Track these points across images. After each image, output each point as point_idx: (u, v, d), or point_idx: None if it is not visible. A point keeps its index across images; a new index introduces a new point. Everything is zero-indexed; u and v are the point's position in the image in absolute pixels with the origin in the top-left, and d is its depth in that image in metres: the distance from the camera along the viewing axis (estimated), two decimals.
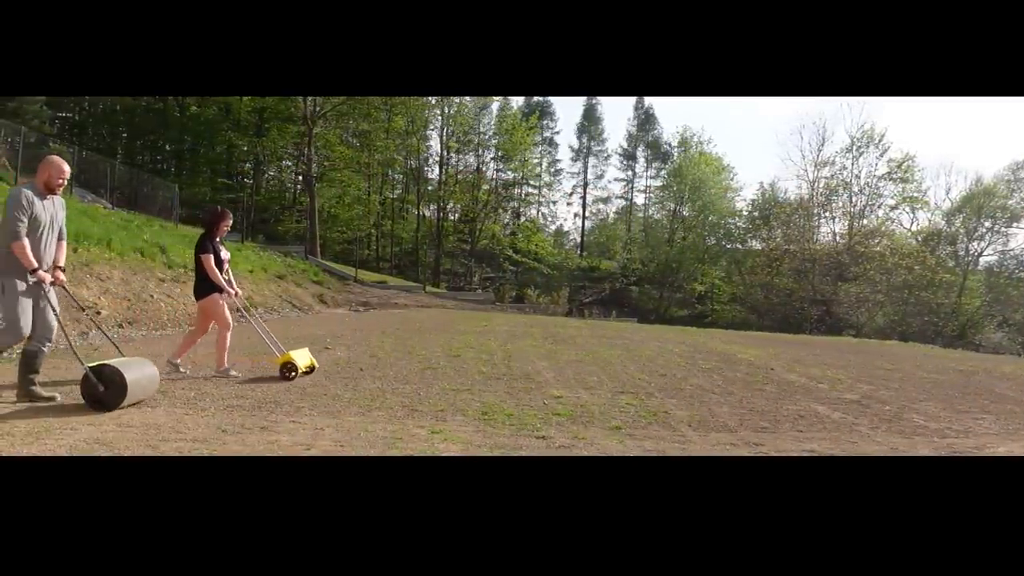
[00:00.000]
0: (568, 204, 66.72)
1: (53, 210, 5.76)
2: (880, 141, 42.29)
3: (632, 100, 66.16)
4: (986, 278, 41.09)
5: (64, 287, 5.74)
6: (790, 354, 12.38)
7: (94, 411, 5.42)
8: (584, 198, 64.16)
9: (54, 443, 4.43)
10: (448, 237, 51.56)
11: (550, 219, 62.86)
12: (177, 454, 4.34)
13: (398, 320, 16.63)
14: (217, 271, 7.36)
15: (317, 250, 34.66)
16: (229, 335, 7.54)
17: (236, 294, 7.55)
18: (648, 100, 65.07)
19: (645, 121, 65.20)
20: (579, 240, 64.10)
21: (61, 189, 5.85)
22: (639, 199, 64.94)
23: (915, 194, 43.13)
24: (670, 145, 60.57)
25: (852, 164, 42.93)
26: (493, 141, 52.26)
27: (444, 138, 50.41)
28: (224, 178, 44.41)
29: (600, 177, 65.20)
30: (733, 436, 5.56)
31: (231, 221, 7.77)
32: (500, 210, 54.12)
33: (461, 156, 52.48)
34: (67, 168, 5.79)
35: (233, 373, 7.50)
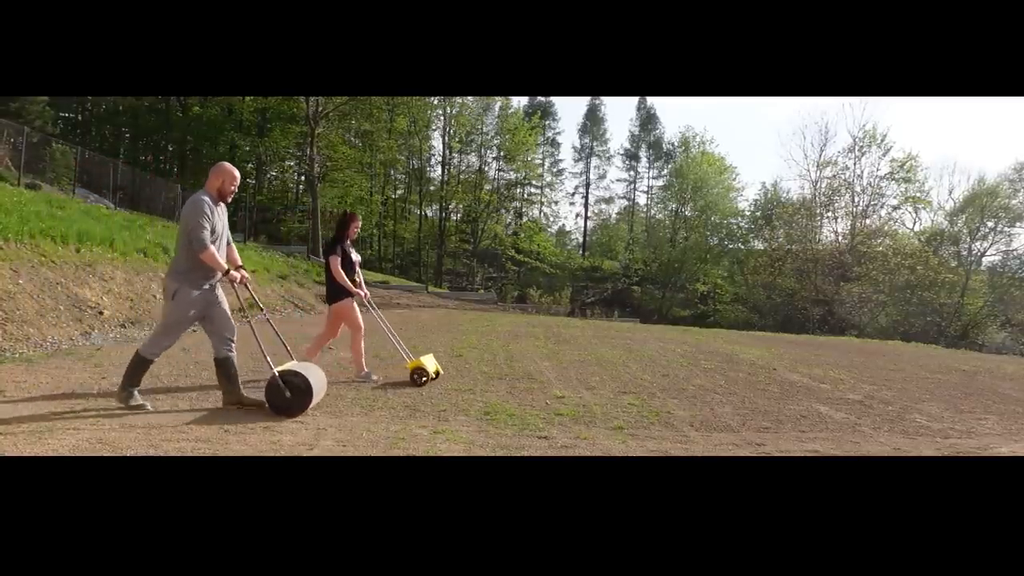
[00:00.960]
0: (570, 204, 66.79)
1: (223, 216, 5.76)
2: (883, 141, 42.28)
3: (635, 100, 66.23)
4: (989, 278, 41.05)
5: (247, 285, 5.77)
6: (793, 354, 12.37)
7: (278, 417, 5.46)
8: (586, 198, 64.21)
9: (56, 443, 4.44)
10: (450, 237, 51.55)
11: (552, 219, 62.89)
12: (180, 454, 4.35)
13: (400, 320, 16.63)
14: (344, 274, 7.37)
15: (320, 250, 34.64)
16: (362, 338, 7.58)
17: (366, 296, 7.59)
18: (651, 100, 65.11)
19: (647, 121, 65.19)
20: (581, 240, 64.09)
21: (232, 196, 5.84)
22: (641, 199, 65.01)
23: (918, 194, 43.13)
24: (672, 145, 60.57)
25: (855, 164, 42.91)
26: (495, 141, 52.23)
27: (446, 138, 50.41)
28: None
29: (602, 177, 65.21)
30: (736, 436, 5.55)
31: (360, 223, 7.79)
32: (502, 210, 54.07)
33: (463, 156, 52.47)
34: (238, 175, 5.82)
35: (374, 378, 7.57)
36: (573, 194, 64.70)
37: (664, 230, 54.55)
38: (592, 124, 64.58)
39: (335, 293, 7.53)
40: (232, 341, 5.80)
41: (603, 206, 65.67)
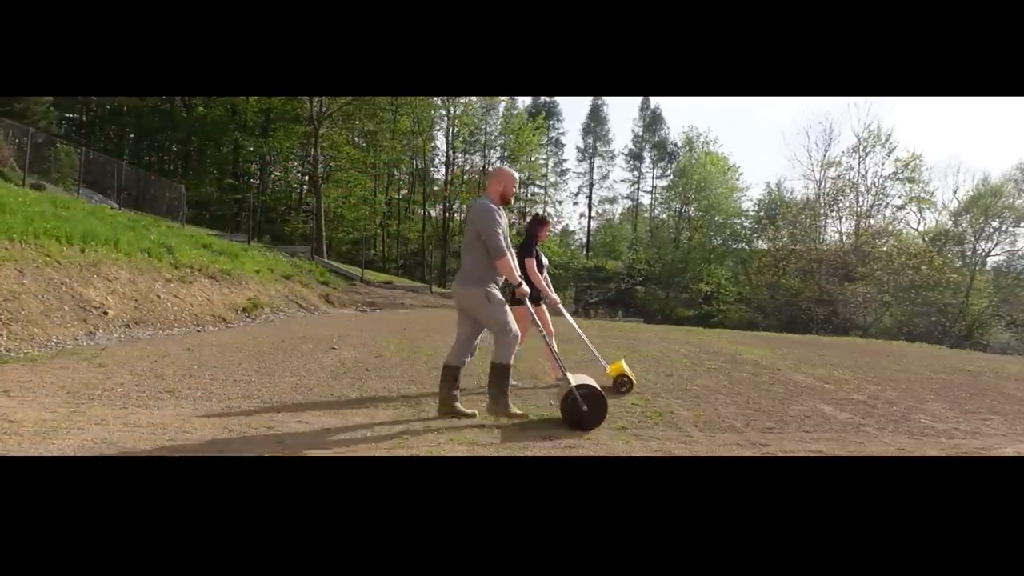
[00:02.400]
0: (574, 204, 66.77)
1: (504, 220, 5.78)
2: (887, 141, 42.23)
3: (638, 100, 66.23)
4: (994, 278, 40.94)
5: (525, 299, 5.85)
6: (797, 354, 12.35)
7: (575, 430, 5.45)
8: (590, 198, 64.29)
9: (62, 442, 4.45)
10: (454, 237, 51.53)
11: (556, 219, 62.93)
12: (184, 453, 4.35)
13: (404, 320, 16.64)
14: (539, 276, 7.32)
15: (323, 250, 34.71)
16: (554, 341, 7.43)
17: (556, 301, 7.52)
18: (655, 100, 65.14)
19: (651, 121, 65.20)
20: (585, 240, 64.10)
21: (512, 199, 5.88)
22: (645, 199, 65.01)
23: (922, 194, 43.08)
24: (676, 145, 60.58)
25: (859, 164, 42.89)
26: (499, 141, 52.30)
27: (450, 138, 50.47)
28: (231, 178, 44.64)
29: (606, 177, 65.31)
30: (739, 436, 5.54)
31: (550, 226, 7.77)
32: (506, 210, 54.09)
33: (467, 156, 52.56)
34: (518, 177, 5.86)
35: (513, 382, 7.41)
36: (577, 194, 64.86)
37: (668, 230, 54.58)
38: (596, 124, 64.63)
39: (529, 295, 7.42)
40: (472, 355, 5.87)
41: (607, 206, 65.83)
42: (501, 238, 5.45)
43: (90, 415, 5.30)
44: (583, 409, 5.47)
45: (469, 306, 5.66)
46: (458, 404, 5.79)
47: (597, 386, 5.61)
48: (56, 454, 4.20)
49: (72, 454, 4.23)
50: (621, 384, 7.30)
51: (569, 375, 5.82)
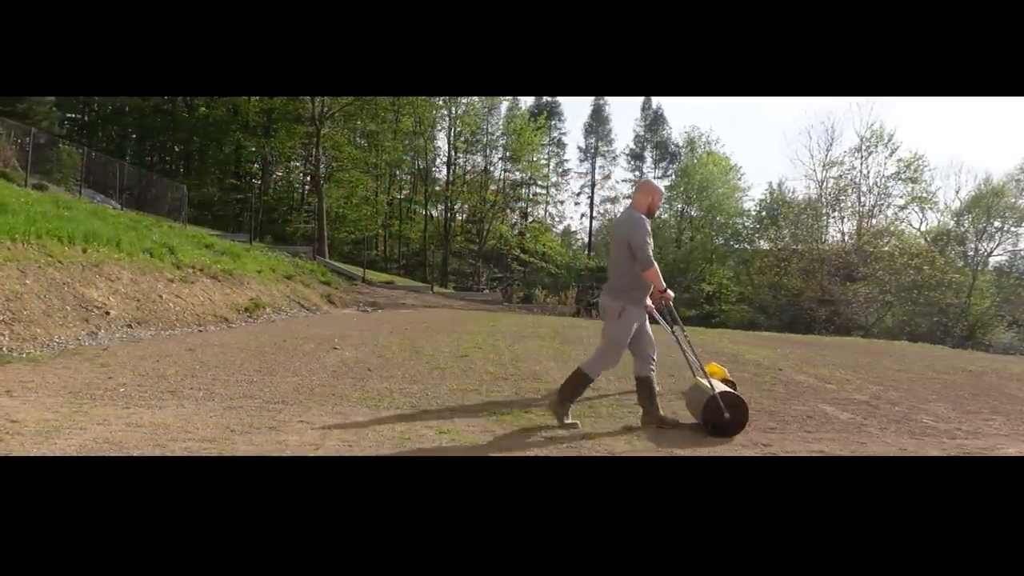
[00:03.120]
0: (576, 204, 66.76)
1: None
2: (889, 141, 42.17)
3: (640, 100, 66.20)
4: (996, 278, 40.87)
5: (671, 304, 5.83)
6: (798, 354, 12.34)
7: (714, 437, 5.46)
8: (592, 198, 64.19)
9: (63, 442, 4.45)
10: (456, 237, 51.61)
11: (558, 219, 62.99)
12: (186, 453, 4.36)
13: (406, 320, 16.64)
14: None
15: (325, 250, 34.72)
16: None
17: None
18: (656, 100, 65.08)
19: (653, 121, 65.14)
20: (587, 240, 64.07)
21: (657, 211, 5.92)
22: None
23: (924, 194, 42.99)
24: (677, 145, 60.53)
25: (861, 164, 42.82)
26: (501, 141, 52.32)
27: (452, 138, 50.49)
28: (232, 178, 44.67)
29: (608, 177, 65.13)
30: (741, 436, 5.54)
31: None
32: (508, 210, 54.14)
33: (469, 156, 52.58)
34: (664, 190, 5.96)
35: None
36: (579, 194, 64.76)
37: (669, 230, 54.52)
38: (598, 124, 64.58)
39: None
40: (654, 360, 5.84)
41: (609, 206, 65.66)
42: (650, 249, 5.50)
43: (92, 415, 5.30)
44: (725, 416, 5.48)
45: (606, 313, 5.72)
46: (662, 412, 5.83)
47: (739, 394, 5.67)
48: (58, 454, 4.20)
49: (74, 454, 4.23)
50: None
51: (705, 380, 5.89)
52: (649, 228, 5.60)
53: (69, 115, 43.17)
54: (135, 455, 4.27)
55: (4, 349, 7.75)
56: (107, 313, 10.36)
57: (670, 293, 5.65)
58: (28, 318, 8.74)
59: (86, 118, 47.13)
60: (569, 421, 5.64)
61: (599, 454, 4.80)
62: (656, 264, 5.53)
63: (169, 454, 4.33)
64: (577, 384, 5.67)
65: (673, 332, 6.24)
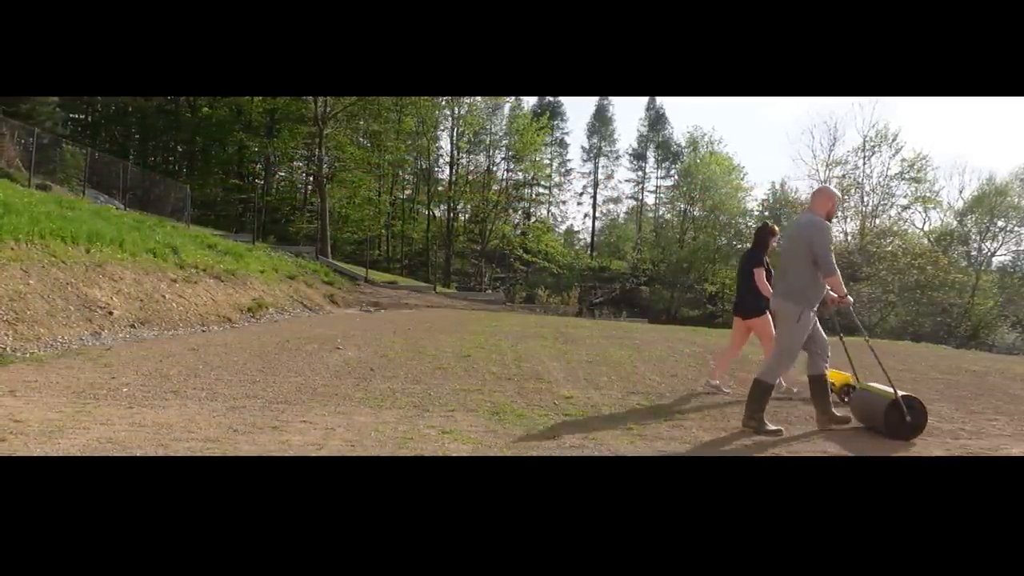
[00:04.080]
0: (579, 204, 66.75)
1: None
2: (893, 141, 42.11)
3: (643, 100, 66.16)
4: (999, 278, 40.78)
5: (851, 308, 6.00)
6: (802, 355, 12.31)
7: (895, 439, 5.51)
8: (594, 198, 64.11)
9: (67, 442, 4.46)
10: (458, 237, 51.63)
11: (560, 219, 62.94)
12: (189, 453, 4.36)
13: (409, 320, 16.65)
14: (768, 287, 7.18)
15: (328, 250, 34.72)
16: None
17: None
18: (659, 100, 65.03)
19: (656, 121, 65.08)
20: (590, 240, 64.04)
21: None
22: (649, 199, 64.86)
23: (928, 194, 42.91)
24: (680, 145, 60.47)
25: (864, 164, 42.77)
26: (504, 141, 52.33)
27: (455, 138, 50.51)
28: (236, 179, 44.70)
29: (611, 177, 65.07)
30: (745, 437, 5.54)
31: (778, 234, 7.72)
32: (511, 210, 54.15)
33: (472, 156, 52.61)
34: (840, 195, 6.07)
35: (726, 390, 7.54)
36: (581, 194, 64.68)
37: (672, 230, 54.48)
38: (600, 124, 64.54)
39: (755, 305, 7.38)
40: (828, 357, 5.96)
41: (611, 206, 65.68)
42: (832, 255, 5.55)
43: (95, 415, 5.31)
44: (907, 419, 5.52)
45: (780, 317, 5.81)
46: (836, 411, 5.96)
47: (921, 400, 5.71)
48: (62, 454, 4.21)
49: (78, 454, 4.24)
50: (846, 393, 7.27)
51: (881, 385, 5.97)
52: (831, 234, 5.69)
53: (72, 115, 43.21)
54: (138, 455, 4.28)
55: (8, 349, 7.76)
56: (110, 313, 10.38)
57: (849, 299, 5.81)
58: (32, 318, 8.76)
59: (89, 119, 47.16)
60: (772, 428, 5.70)
61: (602, 454, 4.80)
62: (838, 271, 5.58)
63: (172, 454, 4.34)
64: (759, 395, 5.72)
65: (841, 338, 6.30)
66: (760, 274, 7.30)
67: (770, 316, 6.94)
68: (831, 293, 5.78)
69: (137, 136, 48.34)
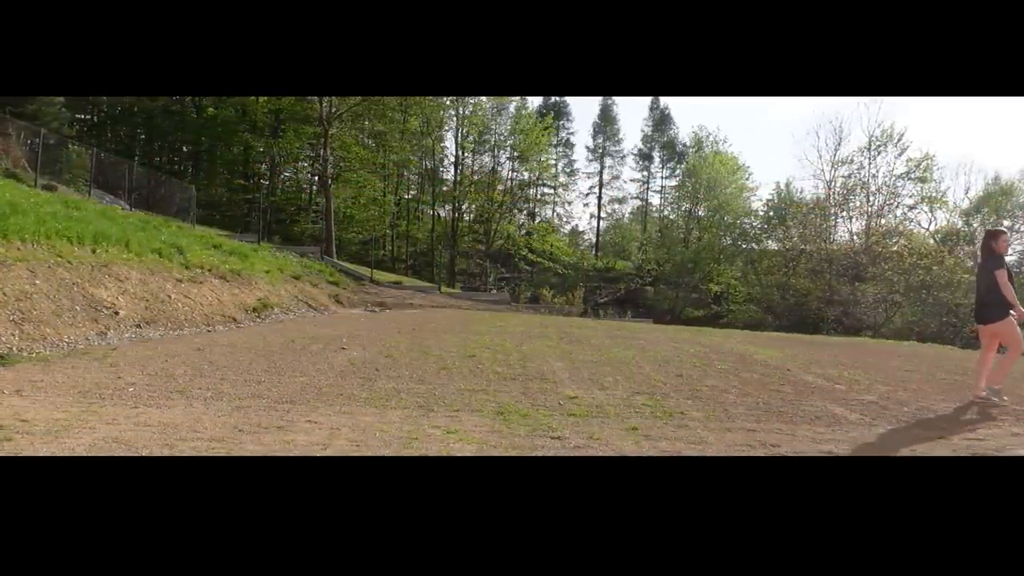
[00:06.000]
0: (584, 204, 66.60)
1: None
2: (899, 140, 41.95)
3: (648, 100, 66.10)
4: None
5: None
6: (807, 355, 12.29)
7: None
8: (600, 198, 64.07)
9: (73, 441, 4.48)
10: (463, 237, 51.60)
11: (565, 219, 62.85)
12: (194, 453, 4.37)
13: (413, 320, 16.65)
14: (1012, 290, 7.07)
15: (333, 250, 34.74)
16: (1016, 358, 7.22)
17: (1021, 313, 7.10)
18: (664, 100, 64.97)
19: (661, 121, 65.03)
20: (594, 240, 63.99)
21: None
22: (655, 199, 64.81)
23: (934, 193, 42.72)
24: (685, 145, 60.39)
25: (870, 163, 42.57)
26: (509, 141, 52.30)
27: (459, 139, 50.52)
28: (241, 179, 44.79)
29: (616, 177, 64.99)
30: (750, 437, 5.53)
31: (1006, 238, 7.67)
32: (515, 210, 54.12)
33: (476, 157, 52.58)
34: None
35: (1004, 399, 7.32)
36: (586, 194, 64.65)
37: (677, 230, 54.37)
38: (605, 124, 64.49)
39: (997, 310, 7.20)
40: None
41: (616, 206, 65.62)
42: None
43: (101, 414, 5.33)
44: None
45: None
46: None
47: None
48: (67, 453, 4.23)
49: (83, 453, 4.25)
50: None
51: None
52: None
53: (78, 116, 43.25)
54: (144, 455, 4.29)
55: (14, 349, 7.78)
56: (116, 313, 10.40)
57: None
58: (38, 318, 8.78)
59: (95, 119, 47.25)
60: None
61: (606, 454, 4.80)
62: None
63: (178, 453, 4.35)
64: None
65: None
66: (1003, 276, 7.09)
67: (1014, 320, 6.95)
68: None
69: (143, 136, 48.43)
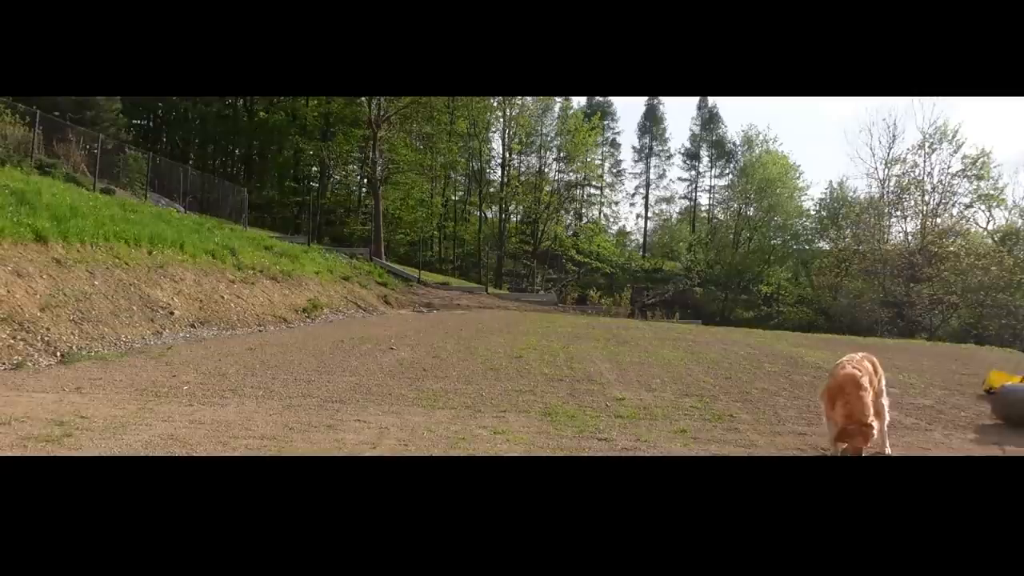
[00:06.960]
0: (631, 205, 66.21)
1: None
2: (954, 137, 40.90)
3: (695, 100, 65.49)
4: None
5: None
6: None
7: None
8: (647, 198, 63.60)
9: (131, 438, 4.60)
10: (510, 238, 51.67)
11: (612, 220, 62.54)
12: (247, 451, 4.46)
13: (461, 321, 16.74)
14: None
15: (381, 252, 35.04)
16: None
17: None
18: (712, 99, 64.31)
19: (709, 120, 64.34)
20: (642, 241, 63.57)
21: None
22: (703, 199, 64.14)
23: (991, 191, 41.56)
24: (734, 144, 59.68)
25: (924, 161, 41.58)
26: (555, 142, 52.25)
27: (506, 140, 50.61)
28: (292, 181, 45.46)
29: (662, 177, 64.47)
30: (801, 440, 5.45)
31: None
32: (562, 211, 54.02)
33: (523, 157, 52.63)
34: None
35: None
36: (633, 195, 64.23)
37: (727, 231, 53.78)
38: (651, 124, 64.04)
39: None
40: None
41: (664, 206, 65.07)
42: None
43: (157, 412, 5.46)
44: None
45: None
46: None
47: None
48: (126, 449, 4.34)
49: (140, 449, 4.37)
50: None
51: None
52: None
53: (135, 121, 44.34)
54: (199, 453, 4.39)
55: (74, 347, 8.01)
56: (171, 313, 10.64)
57: None
58: (97, 318, 9.03)
59: (151, 124, 48.41)
60: None
61: (653, 453, 4.77)
62: None
63: (231, 451, 4.44)
64: None
65: None
66: None
67: None
68: None
69: (197, 141, 49.45)
